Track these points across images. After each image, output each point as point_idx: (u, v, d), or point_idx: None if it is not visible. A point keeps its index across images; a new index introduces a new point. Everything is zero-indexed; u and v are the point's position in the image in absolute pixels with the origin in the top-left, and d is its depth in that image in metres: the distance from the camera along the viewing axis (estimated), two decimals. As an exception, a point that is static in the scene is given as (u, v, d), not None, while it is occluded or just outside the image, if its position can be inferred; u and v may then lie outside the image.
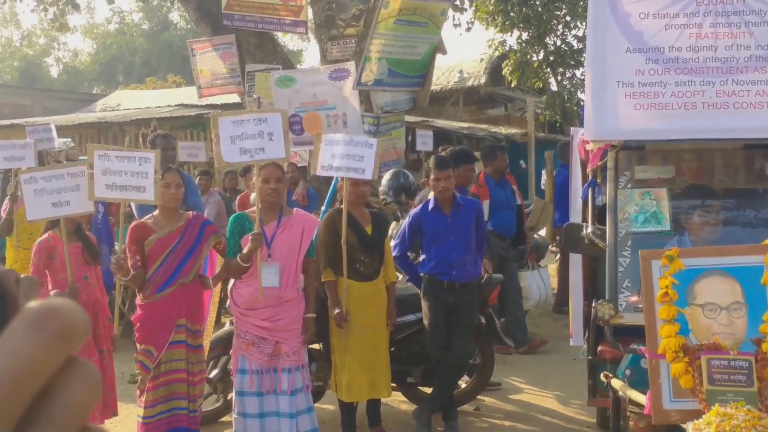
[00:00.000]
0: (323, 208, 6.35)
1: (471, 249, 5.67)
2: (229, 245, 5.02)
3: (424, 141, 11.27)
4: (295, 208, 5.37)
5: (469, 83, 23.47)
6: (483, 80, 23.24)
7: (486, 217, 6.84)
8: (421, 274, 5.72)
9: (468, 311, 5.64)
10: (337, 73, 8.27)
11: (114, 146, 5.30)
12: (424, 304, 5.67)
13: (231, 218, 5.14)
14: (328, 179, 7.25)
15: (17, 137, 8.70)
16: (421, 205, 5.88)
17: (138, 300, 5.07)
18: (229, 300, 5.16)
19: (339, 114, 8.24)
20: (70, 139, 13.24)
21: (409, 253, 5.91)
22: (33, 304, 0.49)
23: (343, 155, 5.24)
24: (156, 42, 46.30)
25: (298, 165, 9.31)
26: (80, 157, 10.94)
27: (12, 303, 0.52)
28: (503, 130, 19.73)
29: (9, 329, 0.47)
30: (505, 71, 19.23)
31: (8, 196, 7.20)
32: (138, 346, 5.00)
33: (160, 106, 21.15)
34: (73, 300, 0.53)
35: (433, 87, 16.15)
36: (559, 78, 20.08)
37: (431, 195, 5.79)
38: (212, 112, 5.26)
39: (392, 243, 5.81)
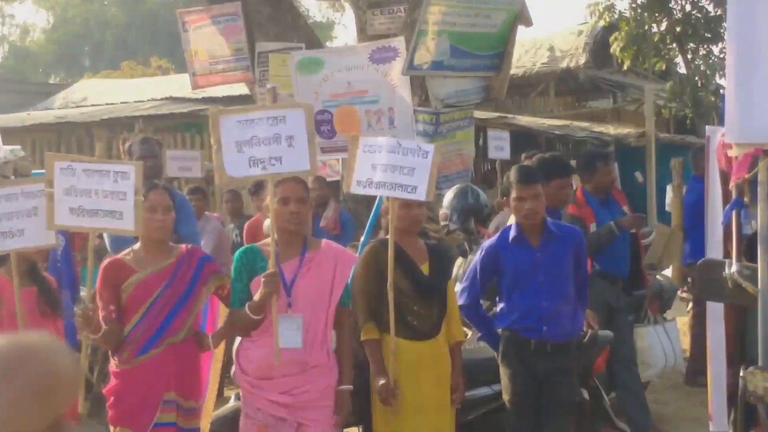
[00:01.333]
0: (363, 239, 6.39)
1: (568, 295, 5.63)
2: (234, 290, 5.04)
3: (500, 145, 11.25)
4: (323, 240, 5.39)
5: (564, 65, 23.46)
6: (582, 61, 23.23)
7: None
8: (499, 331, 5.71)
9: (564, 382, 5.59)
10: (380, 53, 8.31)
11: (81, 156, 5.40)
12: (503, 373, 5.64)
13: (237, 253, 5.14)
14: (369, 199, 7.23)
15: (-52, 144, 8.85)
16: (498, 235, 5.86)
17: (112, 366, 5.09)
18: (234, 366, 5.15)
19: (383, 109, 8.29)
20: (19, 147, 13.44)
21: (481, 301, 5.88)
22: None
23: (388, 166, 5.28)
24: (134, 13, 47.19)
25: (328, 179, 9.43)
26: (33, 172, 11.10)
27: None
28: (611, 130, 19.63)
29: None
30: (614, 48, 19.18)
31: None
32: (111, 429, 5.02)
33: (140, 101, 21.52)
34: None
35: (514, 71, 16.14)
36: (689, 57, 19.96)
37: (511, 220, 5.74)
38: (210, 109, 5.34)
39: (458, 287, 5.76)
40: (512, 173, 5.70)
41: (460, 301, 5.66)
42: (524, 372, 5.57)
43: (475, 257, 5.88)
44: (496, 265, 5.68)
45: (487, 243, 5.87)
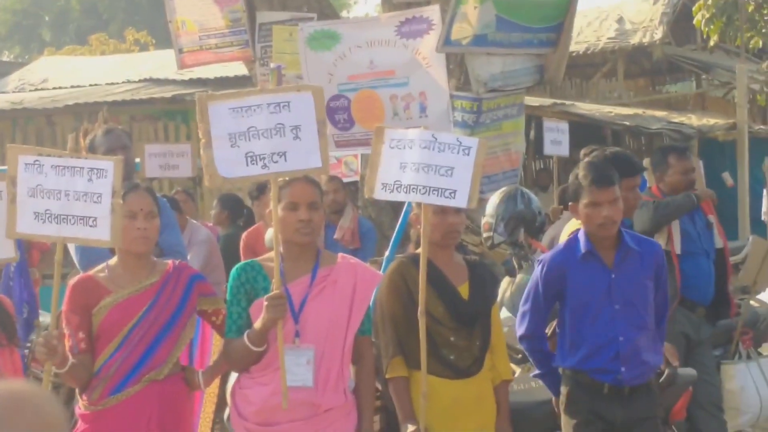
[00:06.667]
0: (387, 253, 6.41)
1: (648, 326, 5.57)
2: (230, 316, 5.04)
3: (556, 139, 11.32)
4: (339, 254, 5.41)
5: (635, 40, 23.36)
6: (659, 35, 23.14)
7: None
8: (561, 370, 5.66)
9: (646, 435, 5.56)
10: (410, 25, 8.31)
11: (51, 150, 5.34)
12: (567, 423, 5.59)
13: (234, 271, 5.14)
14: (394, 205, 7.21)
15: None
16: (563, 246, 5.80)
17: (79, 407, 5.09)
18: (229, 409, 5.15)
19: (413, 94, 8.30)
20: (-34, 140, 13.56)
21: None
22: None
23: (421, 166, 5.21)
24: (106, -24, 47.13)
25: (344, 180, 9.45)
26: (-14, 168, 11.16)
27: None
28: (694, 120, 19.56)
29: None
30: (698, 19, 19.07)
31: None
32: (79, 483, 5.02)
33: (113, 83, 21.46)
34: None
35: (574, 47, 16.11)
36: (791, 30, 19.84)
37: (566, 230, 5.76)
38: (199, 94, 5.22)
39: (504, 313, 5.78)
40: (584, 172, 5.55)
41: (521, 331, 5.65)
42: (596, 422, 5.50)
43: (535, 272, 5.74)
44: (562, 286, 5.58)
45: (549, 256, 5.77)
